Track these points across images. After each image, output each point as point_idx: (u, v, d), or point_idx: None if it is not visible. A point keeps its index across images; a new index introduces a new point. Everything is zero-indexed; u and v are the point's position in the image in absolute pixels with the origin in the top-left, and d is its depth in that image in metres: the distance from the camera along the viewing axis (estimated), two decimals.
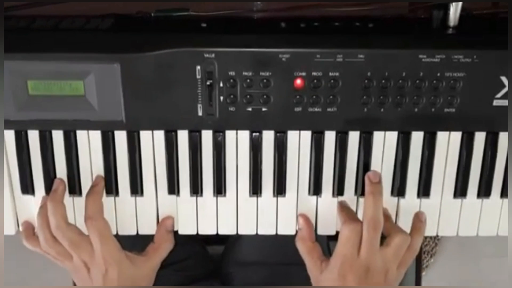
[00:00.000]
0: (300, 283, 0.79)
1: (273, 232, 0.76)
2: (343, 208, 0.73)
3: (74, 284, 0.97)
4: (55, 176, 0.73)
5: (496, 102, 0.69)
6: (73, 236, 0.71)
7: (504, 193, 0.74)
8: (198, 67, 0.68)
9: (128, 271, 0.72)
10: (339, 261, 0.69)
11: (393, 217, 0.75)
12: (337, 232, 0.74)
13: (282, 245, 0.88)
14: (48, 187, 0.73)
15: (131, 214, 0.75)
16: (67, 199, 0.74)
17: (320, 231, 0.75)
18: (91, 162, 0.73)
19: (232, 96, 0.69)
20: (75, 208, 0.75)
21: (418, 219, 0.74)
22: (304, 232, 0.74)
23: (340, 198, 0.74)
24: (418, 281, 1.01)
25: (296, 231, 0.75)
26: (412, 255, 0.72)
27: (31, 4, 0.72)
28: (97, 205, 0.72)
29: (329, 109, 0.70)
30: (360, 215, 0.74)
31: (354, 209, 0.74)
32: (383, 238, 0.71)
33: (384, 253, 0.69)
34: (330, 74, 0.68)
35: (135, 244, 0.75)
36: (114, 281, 0.71)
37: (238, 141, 0.72)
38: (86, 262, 0.71)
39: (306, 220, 0.74)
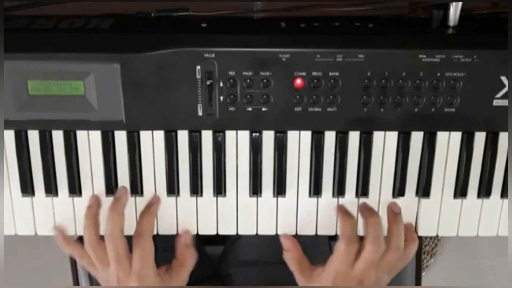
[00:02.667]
0: None
1: (273, 232, 0.76)
2: (344, 218, 0.72)
3: (74, 284, 0.97)
4: (55, 176, 0.73)
5: (496, 102, 0.69)
6: (120, 250, 0.70)
7: (504, 193, 0.74)
8: (198, 67, 0.68)
9: None
10: (332, 275, 0.70)
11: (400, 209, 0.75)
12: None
13: (281, 244, 0.88)
14: (48, 187, 0.73)
15: (131, 214, 0.74)
16: (67, 199, 0.74)
17: (320, 231, 0.75)
18: (91, 162, 0.73)
19: (232, 96, 0.69)
20: (75, 208, 0.75)
21: (408, 229, 0.74)
22: (292, 254, 0.74)
23: (341, 198, 0.74)
24: (418, 281, 1.01)
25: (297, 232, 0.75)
26: (404, 263, 0.73)
27: (31, 4, 0.72)
28: (149, 225, 0.72)
29: (329, 109, 0.70)
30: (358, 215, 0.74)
31: (355, 210, 0.74)
32: None
33: (378, 266, 0.70)
34: (330, 74, 0.68)
35: None
36: None
37: (238, 141, 0.72)
38: (121, 279, 0.70)
39: (292, 241, 0.74)
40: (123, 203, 0.72)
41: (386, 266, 0.71)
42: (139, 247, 0.70)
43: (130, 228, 0.75)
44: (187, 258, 0.74)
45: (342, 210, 0.73)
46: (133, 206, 0.74)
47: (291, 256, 0.74)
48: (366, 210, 0.73)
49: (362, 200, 0.74)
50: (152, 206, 0.73)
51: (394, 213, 0.73)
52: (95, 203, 0.72)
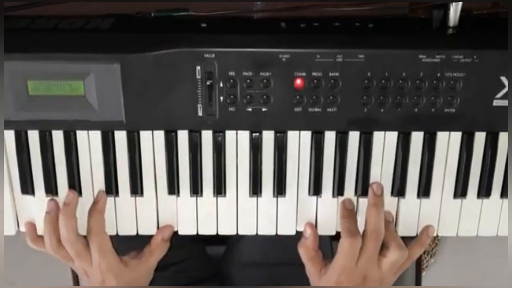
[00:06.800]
0: (301, 283, 0.79)
1: (273, 233, 0.76)
2: (346, 215, 0.73)
3: (74, 284, 0.97)
4: (55, 176, 0.73)
5: (496, 102, 0.69)
6: (79, 248, 0.72)
7: (504, 193, 0.74)
8: (198, 67, 0.68)
9: (126, 277, 0.74)
10: (337, 271, 0.71)
11: (394, 218, 0.75)
12: (337, 233, 0.74)
13: (283, 245, 0.88)
14: (48, 187, 0.73)
15: (131, 214, 0.75)
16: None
17: (320, 231, 0.75)
18: (91, 162, 0.73)
19: (232, 96, 0.69)
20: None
21: (426, 234, 0.75)
22: (309, 242, 0.74)
23: (341, 198, 0.74)
24: (418, 281, 1.02)
25: (297, 232, 0.75)
26: (409, 263, 0.74)
27: (31, 4, 0.72)
28: (99, 222, 0.73)
29: (329, 109, 0.70)
30: (359, 215, 0.74)
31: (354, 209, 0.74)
32: (382, 246, 0.72)
33: (381, 262, 0.71)
34: (330, 74, 0.68)
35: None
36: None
37: (238, 141, 0.72)
38: (86, 270, 0.74)
39: (313, 230, 0.74)
40: (73, 207, 0.72)
41: (388, 263, 0.71)
42: (94, 243, 0.72)
43: (131, 228, 0.75)
44: (158, 249, 0.76)
45: (344, 211, 0.73)
46: (133, 206, 0.74)
47: (307, 244, 0.74)
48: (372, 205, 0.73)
49: (362, 200, 0.74)
50: (97, 203, 0.73)
51: (387, 221, 0.73)
52: (53, 208, 0.73)
